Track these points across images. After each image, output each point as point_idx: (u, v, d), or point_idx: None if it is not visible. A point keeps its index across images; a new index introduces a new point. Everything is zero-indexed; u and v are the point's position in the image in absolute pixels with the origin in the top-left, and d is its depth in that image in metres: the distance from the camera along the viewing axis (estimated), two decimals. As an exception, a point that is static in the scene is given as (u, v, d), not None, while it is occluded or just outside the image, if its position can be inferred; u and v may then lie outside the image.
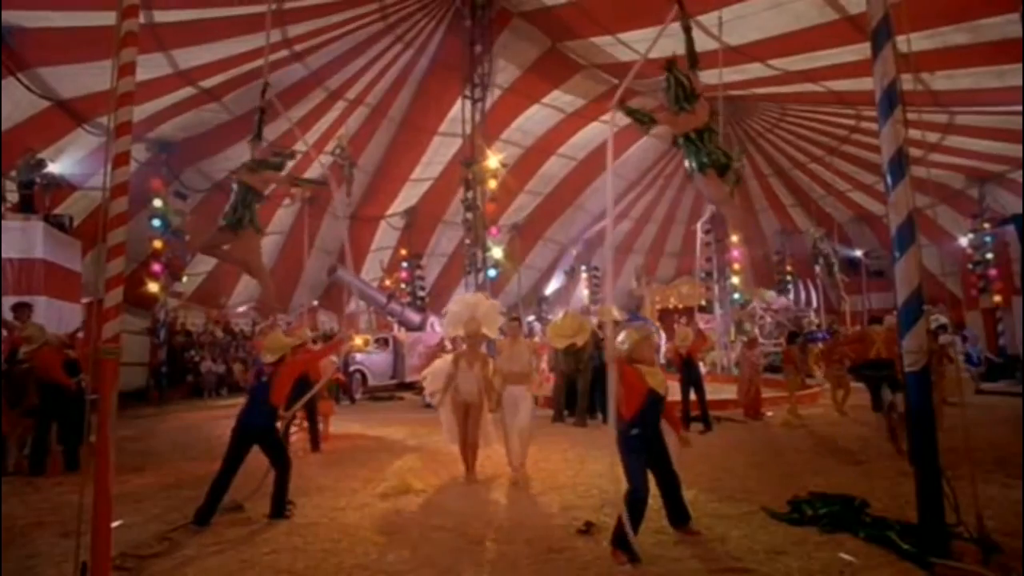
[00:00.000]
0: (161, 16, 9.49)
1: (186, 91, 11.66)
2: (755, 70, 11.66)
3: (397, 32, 13.10)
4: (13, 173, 10.21)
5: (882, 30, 4.00)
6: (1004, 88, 10.03)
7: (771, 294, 19.10)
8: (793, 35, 9.98)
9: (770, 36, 10.22)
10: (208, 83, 11.71)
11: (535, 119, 16.21)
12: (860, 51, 9.22)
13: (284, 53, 11.71)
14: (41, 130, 10.63)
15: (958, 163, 14.89)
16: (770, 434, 8.47)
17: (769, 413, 9.94)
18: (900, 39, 4.02)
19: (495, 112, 14.12)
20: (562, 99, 15.54)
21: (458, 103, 13.82)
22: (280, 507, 4.77)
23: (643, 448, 3.89)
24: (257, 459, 4.84)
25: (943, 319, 11.90)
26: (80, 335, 7.75)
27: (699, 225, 15.11)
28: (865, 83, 8.37)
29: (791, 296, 21.34)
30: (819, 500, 4.65)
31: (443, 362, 6.26)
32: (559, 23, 12.58)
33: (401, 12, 12.63)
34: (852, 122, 14.85)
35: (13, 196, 10.40)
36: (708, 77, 11.67)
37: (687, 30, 5.33)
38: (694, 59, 5.34)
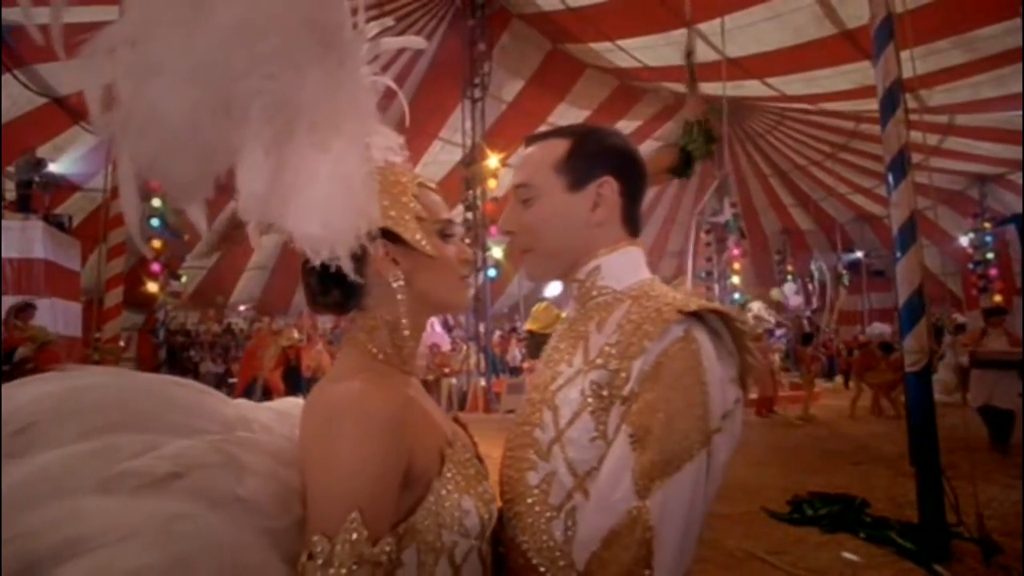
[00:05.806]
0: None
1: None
2: (753, 87, 11.64)
3: (396, 31, 13.05)
4: (11, 169, 10.14)
5: (884, 30, 4.00)
6: (1004, 96, 9.93)
7: (781, 290, 18.52)
8: (792, 49, 9.94)
9: (770, 49, 10.19)
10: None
11: None
12: (858, 72, 9.28)
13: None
14: (38, 127, 10.55)
15: (959, 168, 14.87)
16: (771, 434, 8.46)
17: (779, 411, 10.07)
18: (903, 55, 4.01)
19: (502, 135, 13.99)
20: (568, 114, 15.37)
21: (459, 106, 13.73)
22: None
23: None
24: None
25: (961, 318, 11.96)
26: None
27: (695, 218, 14.65)
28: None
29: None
30: (819, 500, 4.66)
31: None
32: (558, 28, 12.54)
33: (400, 11, 12.60)
34: (851, 124, 14.82)
35: (10, 194, 10.33)
36: (711, 89, 11.83)
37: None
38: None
